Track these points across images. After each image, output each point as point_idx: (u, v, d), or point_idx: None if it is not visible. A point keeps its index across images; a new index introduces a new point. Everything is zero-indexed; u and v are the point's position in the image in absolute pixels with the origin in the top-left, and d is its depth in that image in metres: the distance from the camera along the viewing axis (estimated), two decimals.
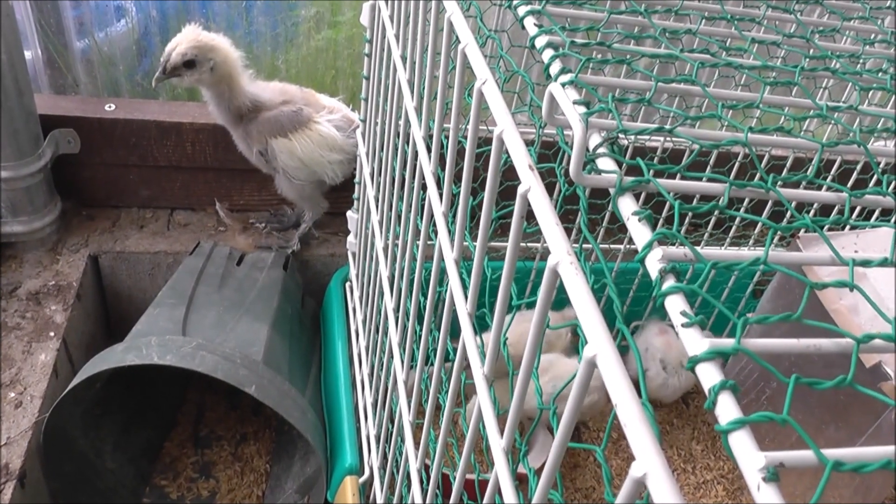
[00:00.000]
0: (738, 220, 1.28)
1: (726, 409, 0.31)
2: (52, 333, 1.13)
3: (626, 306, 1.30)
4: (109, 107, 1.26)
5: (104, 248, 1.28)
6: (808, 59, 0.61)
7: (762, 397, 1.15)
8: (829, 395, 1.04)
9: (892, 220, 0.49)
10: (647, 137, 1.30)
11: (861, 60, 0.66)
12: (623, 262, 1.27)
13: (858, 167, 1.29)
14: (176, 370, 0.97)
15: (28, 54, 1.27)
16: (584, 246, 1.27)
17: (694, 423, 1.35)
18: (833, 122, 0.54)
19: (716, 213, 1.24)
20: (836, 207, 1.30)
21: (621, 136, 0.43)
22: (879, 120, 0.59)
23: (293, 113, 1.15)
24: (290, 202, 1.33)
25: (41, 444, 1.00)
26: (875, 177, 0.46)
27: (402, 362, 0.76)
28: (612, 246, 1.27)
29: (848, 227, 1.34)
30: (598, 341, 0.32)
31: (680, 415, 1.35)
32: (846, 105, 0.56)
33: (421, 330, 0.69)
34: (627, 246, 1.27)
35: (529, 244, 1.29)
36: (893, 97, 0.56)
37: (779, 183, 0.43)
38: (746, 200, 1.23)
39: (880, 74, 0.61)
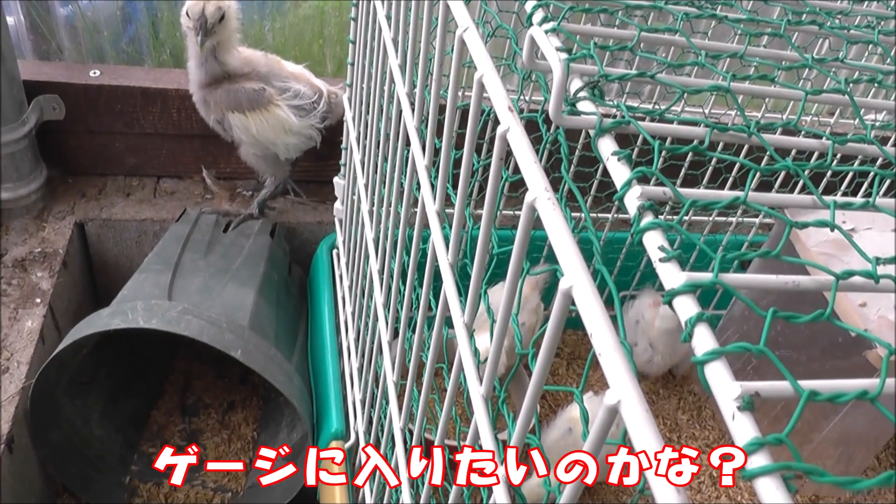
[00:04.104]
0: (726, 189, 1.27)
1: (703, 341, 0.31)
2: (38, 300, 1.12)
3: (615, 275, 1.30)
4: (94, 73, 1.24)
5: (90, 215, 1.27)
6: (794, 14, 0.61)
7: (748, 367, 1.15)
8: (814, 367, 1.05)
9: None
10: (636, 104, 1.30)
11: (850, 16, 0.65)
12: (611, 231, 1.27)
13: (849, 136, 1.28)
14: (162, 337, 0.97)
15: (11, 20, 1.25)
16: (573, 214, 1.26)
17: (680, 393, 1.35)
18: (823, 73, 0.54)
19: (703, 183, 1.24)
20: (826, 189, 1.30)
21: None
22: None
23: (254, 92, 1.14)
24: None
25: (28, 410, 1.00)
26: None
27: (387, 323, 0.76)
28: (600, 215, 1.27)
29: (838, 194, 1.35)
30: (574, 273, 0.32)
31: (666, 385, 1.36)
32: (831, 58, 0.56)
33: (405, 289, 0.69)
34: (617, 215, 1.27)
35: (516, 212, 1.28)
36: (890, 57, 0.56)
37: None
38: (735, 169, 1.23)
39: (870, 29, 0.60)
